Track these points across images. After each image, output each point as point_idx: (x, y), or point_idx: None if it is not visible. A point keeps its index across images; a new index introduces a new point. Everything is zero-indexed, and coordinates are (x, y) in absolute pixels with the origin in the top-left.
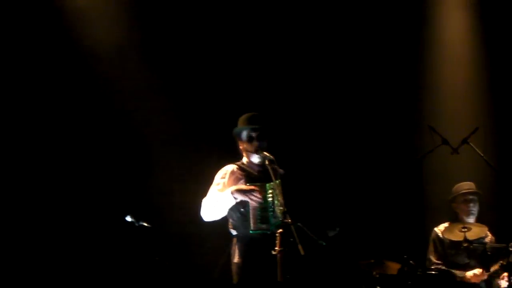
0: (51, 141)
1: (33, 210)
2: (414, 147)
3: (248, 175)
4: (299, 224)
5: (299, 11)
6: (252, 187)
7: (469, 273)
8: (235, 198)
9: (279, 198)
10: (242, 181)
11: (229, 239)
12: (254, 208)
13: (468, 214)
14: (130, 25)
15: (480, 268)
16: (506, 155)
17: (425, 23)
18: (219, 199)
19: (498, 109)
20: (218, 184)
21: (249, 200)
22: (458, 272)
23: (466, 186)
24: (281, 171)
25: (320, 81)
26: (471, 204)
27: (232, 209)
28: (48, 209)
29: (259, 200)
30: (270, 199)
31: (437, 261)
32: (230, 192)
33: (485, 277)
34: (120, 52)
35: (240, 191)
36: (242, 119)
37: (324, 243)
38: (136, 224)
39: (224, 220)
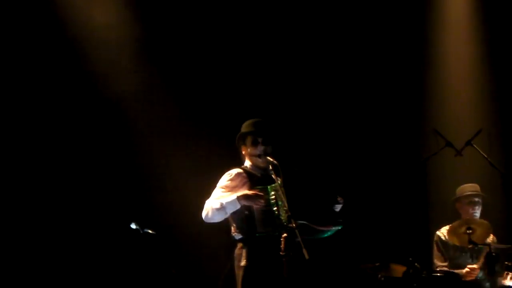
0: (49, 145)
1: (35, 221)
2: (419, 149)
3: (252, 177)
4: (304, 222)
5: (302, 16)
6: (256, 191)
7: (463, 271)
8: (240, 204)
9: (282, 200)
10: (247, 183)
11: (231, 245)
12: (259, 211)
13: (472, 216)
14: (131, 22)
15: (483, 267)
16: (511, 156)
17: (430, 26)
18: (224, 204)
19: (502, 111)
20: (224, 186)
21: (254, 205)
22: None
23: (471, 188)
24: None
25: (326, 85)
26: (476, 207)
27: (235, 213)
28: (51, 217)
29: (263, 204)
30: (273, 201)
31: (442, 264)
32: (236, 197)
33: (477, 271)
34: (120, 50)
35: (246, 196)
36: (246, 124)
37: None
38: (141, 232)
39: (225, 224)
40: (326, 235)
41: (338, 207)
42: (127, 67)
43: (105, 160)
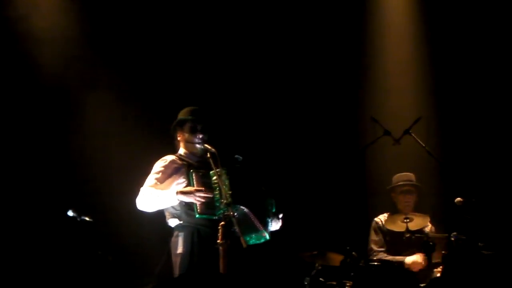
0: None
1: None
2: (357, 138)
3: (188, 164)
4: (244, 209)
5: (240, 9)
6: (197, 188)
7: (409, 259)
8: (178, 200)
9: (224, 186)
10: (181, 170)
11: (168, 232)
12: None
13: (405, 205)
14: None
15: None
16: (448, 145)
17: (367, 15)
18: (160, 196)
19: (440, 100)
20: (157, 172)
21: (195, 201)
22: (398, 258)
23: (405, 177)
24: (239, 157)
25: (263, 74)
26: (408, 195)
27: None
28: None
29: (206, 199)
30: (216, 185)
31: (379, 249)
32: (175, 193)
33: (424, 266)
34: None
35: (185, 193)
36: (185, 111)
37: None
38: (78, 219)
39: (159, 212)
40: (253, 240)
41: (276, 222)
42: (67, 57)
43: (42, 148)
